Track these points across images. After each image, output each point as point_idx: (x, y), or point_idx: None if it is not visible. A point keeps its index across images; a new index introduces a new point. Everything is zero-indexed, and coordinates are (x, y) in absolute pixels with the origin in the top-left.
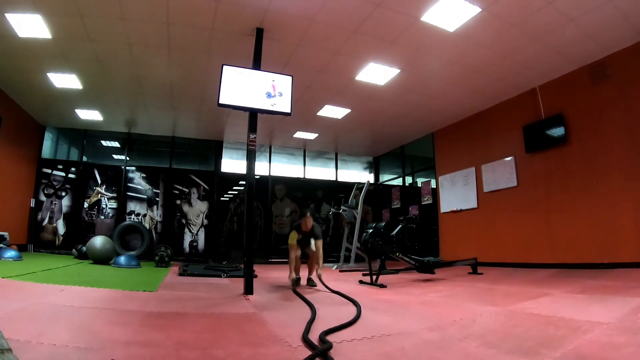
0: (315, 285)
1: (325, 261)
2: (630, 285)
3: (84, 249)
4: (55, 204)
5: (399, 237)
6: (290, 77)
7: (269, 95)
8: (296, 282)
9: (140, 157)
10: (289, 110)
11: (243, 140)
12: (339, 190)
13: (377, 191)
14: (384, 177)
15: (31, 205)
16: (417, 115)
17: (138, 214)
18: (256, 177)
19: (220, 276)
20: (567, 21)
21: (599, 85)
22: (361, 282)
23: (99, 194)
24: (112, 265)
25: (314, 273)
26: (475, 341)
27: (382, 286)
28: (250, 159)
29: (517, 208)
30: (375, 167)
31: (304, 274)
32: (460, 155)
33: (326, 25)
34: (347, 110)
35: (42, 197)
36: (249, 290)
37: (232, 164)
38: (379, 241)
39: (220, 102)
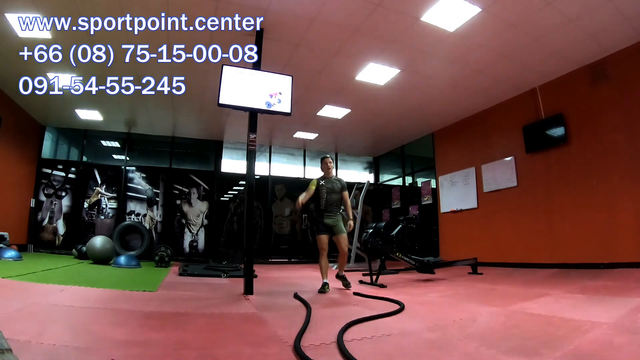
0: (349, 285)
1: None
2: (630, 285)
3: (84, 249)
4: (55, 204)
5: (399, 237)
6: (290, 77)
7: (268, 96)
8: (324, 287)
9: (140, 157)
10: (289, 110)
11: (243, 140)
12: None
13: (377, 191)
14: (384, 177)
15: (31, 205)
16: (417, 116)
17: (138, 214)
18: (256, 177)
19: (220, 276)
20: (567, 21)
21: (599, 86)
22: (361, 282)
23: (99, 194)
24: (112, 265)
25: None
26: (475, 341)
27: (382, 286)
28: (250, 159)
29: (517, 208)
30: (375, 167)
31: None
32: (460, 155)
33: (326, 25)
34: (347, 110)
35: (42, 197)
36: (249, 290)
37: (232, 164)
38: (379, 241)
39: (220, 102)
